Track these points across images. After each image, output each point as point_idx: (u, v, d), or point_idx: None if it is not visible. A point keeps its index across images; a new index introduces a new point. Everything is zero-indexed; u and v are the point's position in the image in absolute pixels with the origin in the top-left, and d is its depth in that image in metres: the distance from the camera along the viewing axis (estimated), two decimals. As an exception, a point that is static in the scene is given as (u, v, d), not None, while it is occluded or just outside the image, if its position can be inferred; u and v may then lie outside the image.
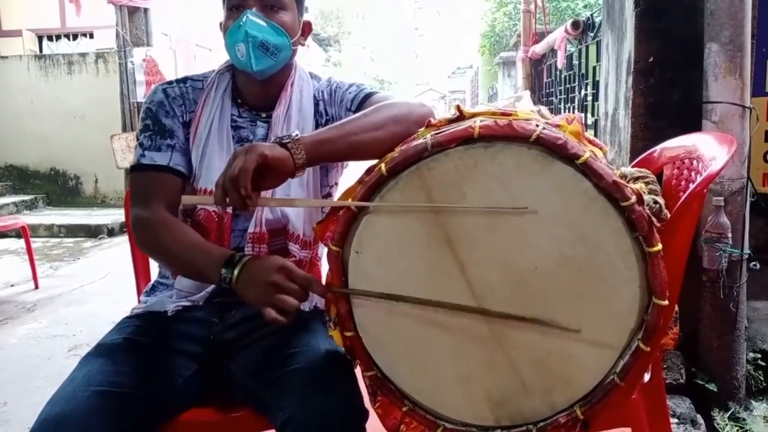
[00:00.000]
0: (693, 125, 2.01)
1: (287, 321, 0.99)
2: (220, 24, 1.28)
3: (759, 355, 2.17)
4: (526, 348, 0.93)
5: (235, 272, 1.03)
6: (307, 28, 1.34)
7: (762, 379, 2.13)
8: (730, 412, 2.01)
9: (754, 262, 2.04)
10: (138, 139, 1.27)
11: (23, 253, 4.65)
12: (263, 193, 1.04)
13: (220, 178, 0.97)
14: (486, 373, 0.95)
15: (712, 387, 2.04)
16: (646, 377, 1.21)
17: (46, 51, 9.41)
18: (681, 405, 2.01)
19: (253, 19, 1.20)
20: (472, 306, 0.93)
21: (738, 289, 1.99)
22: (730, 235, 1.87)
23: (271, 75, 1.27)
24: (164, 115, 1.27)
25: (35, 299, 3.89)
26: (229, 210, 1.23)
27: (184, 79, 1.34)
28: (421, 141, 0.92)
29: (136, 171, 1.25)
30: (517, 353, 0.94)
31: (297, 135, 1.03)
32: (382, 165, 0.93)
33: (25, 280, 4.29)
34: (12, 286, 4.25)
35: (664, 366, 2.08)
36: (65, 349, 2.98)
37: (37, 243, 5.52)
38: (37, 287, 4.12)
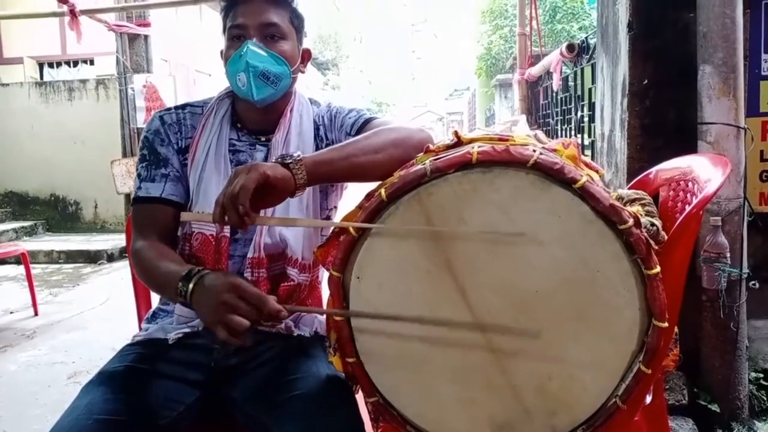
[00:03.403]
0: (688, 146, 2.03)
1: (239, 342, 0.96)
2: (221, 53, 1.30)
3: (761, 375, 2.16)
4: (527, 372, 0.94)
5: (190, 286, 1.03)
6: (306, 56, 1.37)
7: (765, 399, 2.12)
8: (733, 433, 1.99)
9: (753, 281, 2.05)
10: (137, 170, 1.30)
11: (23, 279, 4.64)
12: (262, 213, 1.05)
13: (220, 196, 0.98)
14: (488, 397, 0.95)
15: (715, 407, 2.03)
16: (648, 399, 1.20)
17: (46, 78, 9.48)
18: (684, 426, 1.99)
19: (253, 49, 1.22)
20: (467, 321, 0.93)
21: (738, 309, 1.99)
22: (728, 254, 1.88)
23: (272, 102, 1.29)
24: (159, 144, 1.30)
25: (35, 326, 3.88)
26: (227, 231, 1.24)
27: (183, 106, 1.36)
28: (420, 166, 0.93)
29: (134, 204, 1.29)
30: (519, 377, 0.94)
31: (299, 155, 1.04)
32: (382, 190, 0.94)
33: (25, 307, 4.28)
34: (11, 312, 4.24)
35: (666, 387, 2.07)
36: (65, 376, 2.97)
37: (36, 269, 5.51)
38: (36, 314, 4.11)
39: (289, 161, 1.02)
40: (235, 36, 1.25)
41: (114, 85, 7.10)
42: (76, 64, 9.67)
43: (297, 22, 1.32)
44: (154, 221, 1.25)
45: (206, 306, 0.99)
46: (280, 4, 1.27)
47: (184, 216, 1.15)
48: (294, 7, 1.31)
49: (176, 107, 1.36)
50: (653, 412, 1.23)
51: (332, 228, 1.06)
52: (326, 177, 1.08)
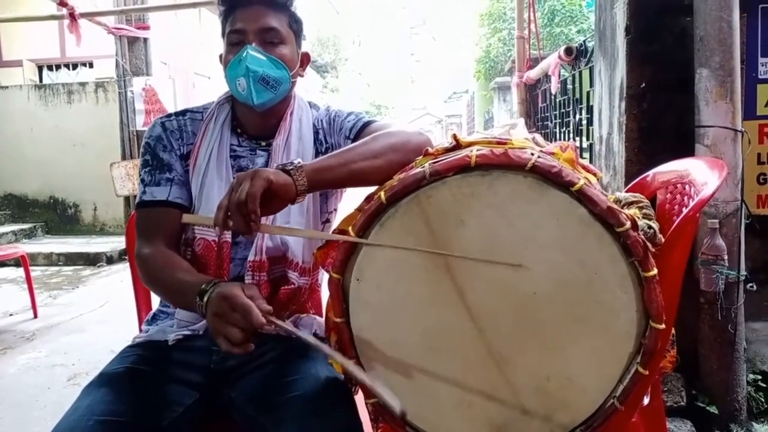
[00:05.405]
0: (686, 149, 2.04)
1: (240, 351, 0.95)
2: (220, 57, 1.30)
3: (759, 377, 2.17)
4: (526, 373, 0.94)
5: (204, 300, 1.02)
6: (305, 59, 1.37)
7: (763, 400, 2.13)
8: (732, 435, 2.00)
9: (751, 284, 2.05)
10: (140, 175, 1.30)
11: (22, 282, 4.65)
12: (263, 220, 1.05)
13: (224, 200, 0.99)
14: (487, 398, 0.96)
15: (713, 409, 2.04)
16: (646, 400, 1.21)
17: (46, 80, 9.48)
18: (682, 428, 2.00)
19: (253, 54, 1.22)
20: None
21: (736, 311, 2.00)
22: (726, 257, 1.88)
23: (271, 106, 1.30)
24: (162, 150, 1.30)
25: (34, 328, 3.87)
26: (227, 236, 1.24)
27: (184, 112, 1.36)
28: (419, 170, 0.94)
29: (139, 208, 1.28)
30: (517, 378, 0.95)
31: (299, 162, 1.05)
32: (382, 193, 0.95)
33: (24, 309, 4.28)
34: (11, 315, 4.24)
35: (665, 389, 2.07)
36: (64, 379, 2.97)
37: (36, 272, 5.51)
38: (36, 316, 4.11)
39: (290, 168, 1.03)
40: (235, 41, 1.25)
41: (113, 88, 7.11)
42: (75, 67, 9.66)
43: (296, 26, 1.32)
44: (160, 225, 1.25)
45: (209, 318, 0.99)
46: (279, 9, 1.28)
47: (186, 218, 1.15)
48: (293, 11, 1.31)
49: (176, 113, 1.36)
50: (651, 413, 1.24)
51: (332, 231, 1.07)
52: (327, 183, 1.08)
